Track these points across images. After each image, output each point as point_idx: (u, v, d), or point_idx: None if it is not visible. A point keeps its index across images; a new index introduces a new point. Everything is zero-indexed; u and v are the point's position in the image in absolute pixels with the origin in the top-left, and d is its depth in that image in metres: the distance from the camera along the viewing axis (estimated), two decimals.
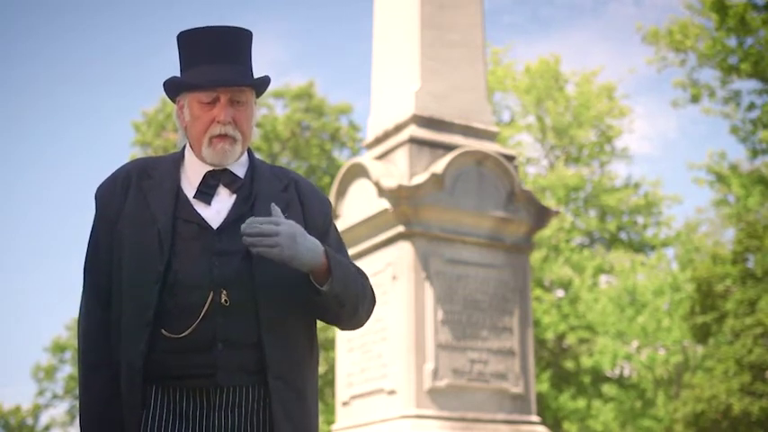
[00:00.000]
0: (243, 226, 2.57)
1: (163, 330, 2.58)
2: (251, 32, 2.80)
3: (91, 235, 2.75)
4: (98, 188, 2.77)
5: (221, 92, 2.68)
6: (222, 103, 2.69)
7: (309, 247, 2.59)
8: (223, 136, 2.69)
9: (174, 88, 2.76)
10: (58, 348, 34.81)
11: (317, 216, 2.80)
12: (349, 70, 49.28)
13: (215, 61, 2.70)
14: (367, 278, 2.81)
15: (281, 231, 2.55)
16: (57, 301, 54.67)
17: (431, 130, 9.05)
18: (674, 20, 19.30)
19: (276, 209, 2.62)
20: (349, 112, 29.03)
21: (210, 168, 2.73)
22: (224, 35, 2.73)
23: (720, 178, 21.79)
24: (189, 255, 2.62)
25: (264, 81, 2.78)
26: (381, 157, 9.13)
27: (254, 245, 2.55)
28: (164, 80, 2.77)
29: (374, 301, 2.83)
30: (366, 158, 9.29)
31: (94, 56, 51.39)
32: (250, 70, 2.77)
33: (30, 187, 52.64)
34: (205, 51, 2.72)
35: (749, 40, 16.94)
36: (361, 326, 2.86)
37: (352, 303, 2.72)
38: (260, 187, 2.73)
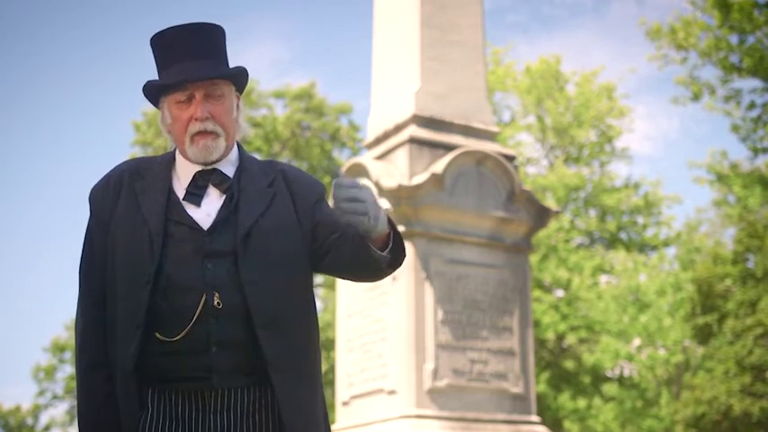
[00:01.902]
0: (336, 189, 2.46)
1: (157, 334, 2.57)
2: (222, 27, 2.77)
3: (85, 236, 2.74)
4: (92, 189, 2.76)
5: (194, 88, 2.65)
6: (197, 99, 2.66)
7: (383, 216, 2.54)
8: (203, 132, 2.66)
9: (149, 93, 2.74)
10: (58, 348, 34.81)
11: (308, 196, 2.75)
12: (349, 70, 49.30)
13: (185, 59, 2.67)
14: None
15: (367, 198, 2.47)
16: (57, 301, 54.72)
17: (431, 130, 9.05)
18: (677, 15, 19.24)
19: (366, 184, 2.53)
20: (349, 112, 29.04)
21: (200, 168, 2.71)
22: (193, 32, 2.70)
23: (721, 178, 21.75)
24: (180, 257, 2.60)
25: (237, 72, 2.73)
26: (381, 157, 9.13)
27: (346, 211, 2.46)
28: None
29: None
30: (366, 158, 9.28)
31: (94, 56, 51.42)
32: (224, 64, 2.74)
33: (30, 187, 52.66)
34: (175, 51, 2.69)
35: (751, 39, 16.90)
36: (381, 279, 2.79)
37: (397, 265, 2.68)
38: (245, 186, 2.70)
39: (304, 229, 2.69)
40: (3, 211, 50.98)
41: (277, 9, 52.43)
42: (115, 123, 52.65)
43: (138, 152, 27.41)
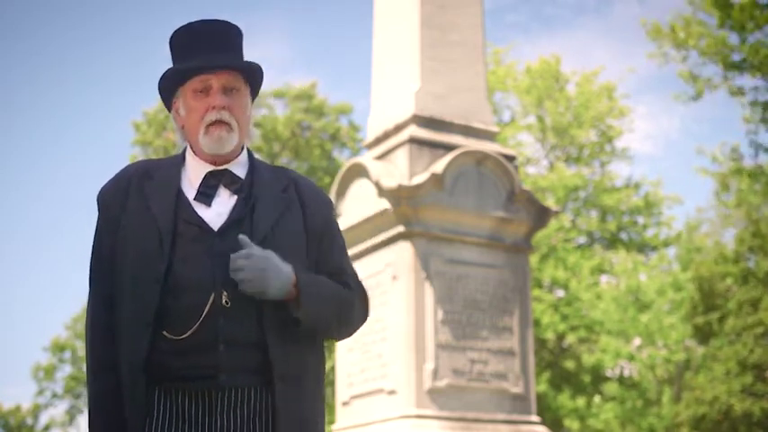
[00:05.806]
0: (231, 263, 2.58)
1: (164, 332, 2.57)
2: (239, 27, 2.80)
3: (95, 238, 2.75)
4: (100, 191, 2.77)
5: (213, 79, 2.69)
6: (215, 89, 2.69)
7: (282, 280, 2.58)
8: (219, 123, 2.68)
9: (166, 82, 2.75)
10: (58, 348, 34.85)
11: (318, 218, 2.78)
12: (349, 70, 49.36)
13: (204, 52, 2.70)
14: (354, 294, 2.79)
15: (245, 266, 2.55)
16: (57, 301, 54.77)
17: (431, 130, 9.04)
18: (677, 14, 19.17)
19: (245, 240, 2.59)
20: (349, 113, 29.03)
21: (211, 169, 2.73)
22: (212, 28, 2.74)
23: (727, 168, 21.54)
24: (190, 256, 2.61)
25: (254, 66, 2.76)
26: (381, 157, 9.13)
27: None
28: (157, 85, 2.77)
29: (361, 317, 2.83)
30: (366, 158, 9.28)
31: (94, 56, 51.43)
32: (241, 59, 2.77)
33: (30, 187, 52.69)
34: (195, 44, 2.72)
35: (751, 38, 16.84)
36: (339, 340, 2.86)
37: (324, 327, 2.73)
38: (260, 189, 2.72)
39: (309, 246, 2.73)
40: (3, 211, 50.99)
41: (277, 9, 52.45)
42: (115, 123, 52.74)
43: (138, 152, 27.40)
